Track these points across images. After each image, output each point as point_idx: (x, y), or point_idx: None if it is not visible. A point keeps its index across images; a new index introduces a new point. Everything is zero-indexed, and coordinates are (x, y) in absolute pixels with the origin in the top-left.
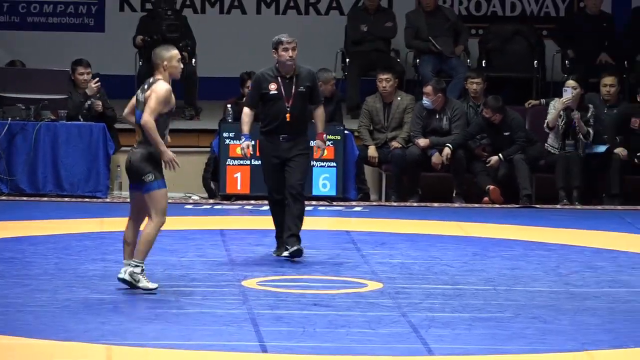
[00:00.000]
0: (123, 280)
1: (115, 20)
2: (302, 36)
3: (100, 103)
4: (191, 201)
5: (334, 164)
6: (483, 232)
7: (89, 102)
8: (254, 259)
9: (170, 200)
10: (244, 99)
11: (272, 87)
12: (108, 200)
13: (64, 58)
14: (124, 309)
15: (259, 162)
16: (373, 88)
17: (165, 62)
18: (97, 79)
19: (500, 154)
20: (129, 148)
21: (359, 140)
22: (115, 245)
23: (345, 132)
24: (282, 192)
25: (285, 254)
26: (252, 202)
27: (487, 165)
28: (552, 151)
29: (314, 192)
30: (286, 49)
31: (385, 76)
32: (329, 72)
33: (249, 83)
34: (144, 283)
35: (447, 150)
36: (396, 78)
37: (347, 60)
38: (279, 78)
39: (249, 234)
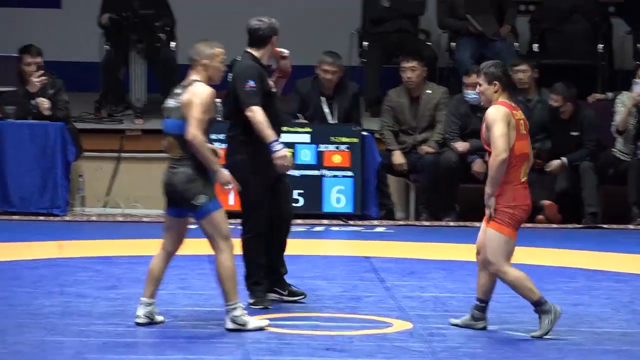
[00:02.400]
0: (231, 330)
1: None
2: (310, 15)
3: (46, 102)
4: None
5: (351, 174)
6: (537, 258)
7: (34, 100)
8: None
9: (145, 219)
10: (248, 95)
11: (271, 83)
12: (68, 218)
13: (12, 40)
14: (89, 354)
15: None
16: (397, 78)
17: (205, 61)
18: (42, 72)
19: (563, 157)
20: (93, 153)
21: (381, 144)
22: (76, 274)
23: (364, 133)
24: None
25: (291, 298)
26: None
27: (547, 170)
28: (622, 157)
29: (326, 209)
30: (277, 39)
31: (410, 64)
32: (335, 56)
33: None
34: (253, 323)
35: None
36: (425, 66)
37: (365, 44)
38: (266, 72)
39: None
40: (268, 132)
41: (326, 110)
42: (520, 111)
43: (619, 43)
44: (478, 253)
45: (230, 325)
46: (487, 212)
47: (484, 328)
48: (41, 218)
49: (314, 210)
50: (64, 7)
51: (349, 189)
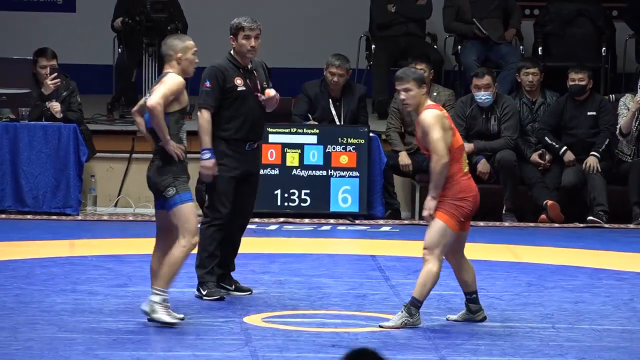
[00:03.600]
0: (144, 312)
1: None
2: (319, 18)
3: (57, 106)
4: None
5: (357, 174)
6: (539, 257)
7: (48, 102)
8: (259, 290)
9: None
10: (201, 95)
11: (238, 81)
12: (80, 217)
13: (27, 43)
14: (99, 350)
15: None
16: None
17: (179, 55)
18: (55, 74)
19: (593, 152)
20: (105, 154)
21: (388, 144)
22: (88, 272)
23: (371, 134)
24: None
25: (238, 294)
26: (257, 220)
27: (585, 168)
28: (624, 158)
29: (333, 209)
30: (248, 37)
31: (418, 67)
32: (343, 59)
33: None
34: (161, 315)
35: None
36: (432, 69)
37: (373, 47)
38: (240, 70)
39: (252, 259)
40: (204, 138)
41: (333, 112)
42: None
43: (622, 46)
44: (447, 254)
45: (144, 306)
46: (425, 212)
47: (485, 318)
48: (54, 217)
49: (322, 210)
50: (79, 11)
51: (355, 189)
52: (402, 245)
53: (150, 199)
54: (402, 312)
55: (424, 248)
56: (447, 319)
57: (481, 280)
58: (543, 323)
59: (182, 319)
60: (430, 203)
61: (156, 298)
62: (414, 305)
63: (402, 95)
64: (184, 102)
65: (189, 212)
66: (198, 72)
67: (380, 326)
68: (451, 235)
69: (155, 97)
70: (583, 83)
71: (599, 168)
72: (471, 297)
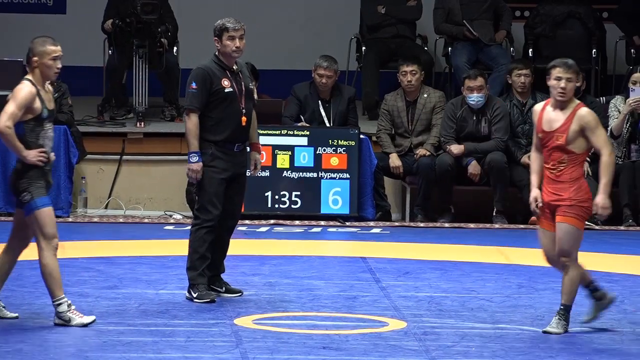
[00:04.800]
0: (56, 324)
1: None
2: (309, 20)
3: None
4: (172, 221)
5: (347, 176)
6: (530, 259)
7: None
8: (250, 292)
9: (146, 220)
10: (188, 98)
11: (226, 83)
12: (70, 219)
13: (16, 45)
14: (89, 352)
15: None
16: (395, 82)
17: (35, 58)
18: None
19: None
20: (96, 156)
21: (378, 146)
22: (78, 274)
23: (361, 136)
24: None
25: (228, 295)
26: (247, 222)
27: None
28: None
29: (323, 210)
30: (232, 38)
31: (409, 68)
32: (331, 60)
33: None
34: (77, 320)
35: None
36: (422, 70)
37: (364, 49)
38: (227, 72)
39: (243, 261)
40: (192, 141)
41: (323, 113)
42: None
43: (612, 48)
44: (552, 260)
45: (56, 320)
46: (606, 212)
47: (615, 297)
48: None
49: (312, 212)
50: (69, 13)
51: (346, 191)
52: (392, 247)
53: (141, 200)
54: (559, 319)
55: (562, 255)
56: (544, 332)
57: (472, 282)
58: (534, 325)
59: (93, 321)
60: (607, 201)
61: (62, 308)
62: (568, 310)
63: (563, 84)
64: (36, 110)
65: (46, 217)
66: (187, 74)
67: (544, 331)
68: (581, 236)
69: (3, 119)
70: (578, 84)
71: (590, 172)
72: (593, 287)
